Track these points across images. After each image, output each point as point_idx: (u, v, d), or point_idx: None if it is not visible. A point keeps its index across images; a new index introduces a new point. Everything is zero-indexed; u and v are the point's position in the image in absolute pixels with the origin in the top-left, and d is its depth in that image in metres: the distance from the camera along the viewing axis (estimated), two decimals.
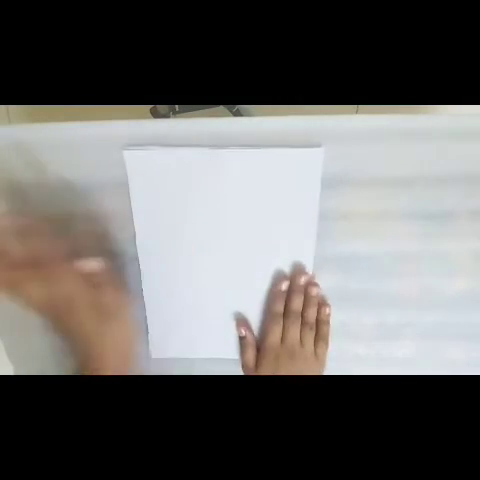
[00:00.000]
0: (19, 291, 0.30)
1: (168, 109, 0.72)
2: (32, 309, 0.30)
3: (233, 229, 0.39)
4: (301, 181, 0.37)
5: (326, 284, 0.41)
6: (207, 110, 0.71)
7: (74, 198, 0.39)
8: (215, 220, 0.39)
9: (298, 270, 0.40)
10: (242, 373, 0.43)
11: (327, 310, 0.41)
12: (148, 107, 0.75)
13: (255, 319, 0.43)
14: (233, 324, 0.43)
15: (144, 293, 0.42)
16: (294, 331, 0.40)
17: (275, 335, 0.40)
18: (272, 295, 0.41)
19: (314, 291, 0.40)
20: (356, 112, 0.61)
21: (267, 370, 0.40)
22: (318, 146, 0.35)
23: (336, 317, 0.41)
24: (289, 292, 0.40)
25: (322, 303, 0.41)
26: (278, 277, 0.41)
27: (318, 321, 0.41)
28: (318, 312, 0.41)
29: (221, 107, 0.75)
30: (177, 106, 0.70)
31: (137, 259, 0.41)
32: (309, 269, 0.40)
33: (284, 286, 0.40)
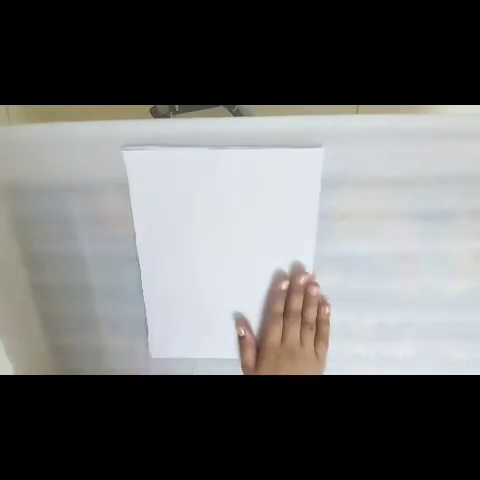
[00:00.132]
0: None
1: (168, 109, 0.72)
2: None
3: (233, 229, 0.39)
4: (301, 181, 0.37)
5: (326, 284, 0.41)
6: (207, 110, 0.71)
7: (74, 199, 0.39)
8: (215, 220, 0.39)
9: (298, 270, 0.40)
10: (242, 373, 0.43)
11: (327, 310, 0.41)
12: (148, 107, 0.75)
13: (255, 319, 0.43)
14: (233, 324, 0.43)
15: (144, 293, 0.42)
16: (294, 331, 0.40)
17: (275, 335, 0.40)
18: (272, 295, 0.41)
19: (314, 291, 0.40)
20: (356, 112, 0.61)
21: (267, 370, 0.40)
22: (318, 146, 0.35)
23: (336, 317, 0.41)
24: (289, 292, 0.40)
25: (322, 303, 0.41)
26: (278, 277, 0.41)
27: (318, 321, 0.41)
28: (318, 312, 0.41)
29: (221, 107, 0.75)
30: (177, 106, 0.70)
31: (137, 259, 0.41)
32: (309, 269, 0.40)
33: (284, 286, 0.40)
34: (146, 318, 0.43)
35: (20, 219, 0.40)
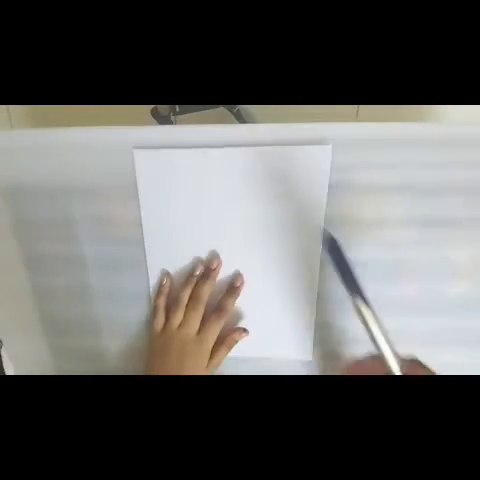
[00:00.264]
0: None
1: (169, 109, 0.72)
2: None
3: (241, 228, 0.39)
4: (309, 178, 0.37)
5: (326, 289, 0.41)
6: (208, 111, 0.71)
7: (75, 201, 0.39)
8: (223, 219, 0.39)
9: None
10: (242, 373, 0.43)
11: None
12: (149, 107, 0.75)
13: (263, 318, 0.43)
14: (240, 324, 0.43)
15: (151, 293, 0.42)
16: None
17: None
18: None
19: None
20: (356, 112, 0.61)
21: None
22: (326, 144, 0.35)
23: (336, 322, 0.41)
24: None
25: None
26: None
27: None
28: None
29: (222, 108, 0.75)
30: (177, 106, 0.70)
31: (139, 261, 0.41)
32: (315, 269, 0.40)
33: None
34: (148, 319, 0.44)
35: (22, 221, 0.41)
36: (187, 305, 0.41)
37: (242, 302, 0.42)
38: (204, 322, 0.41)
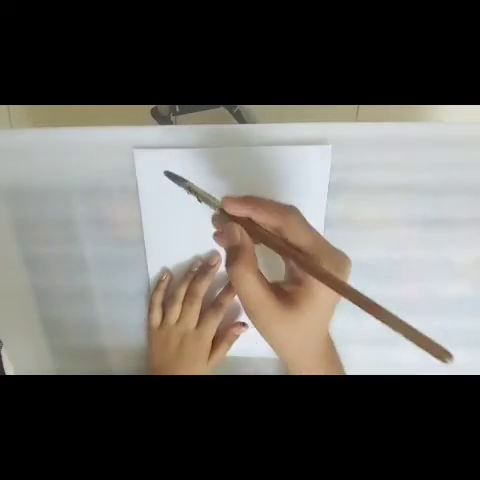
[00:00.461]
0: None
1: (169, 109, 0.72)
2: None
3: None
4: (309, 178, 0.37)
5: None
6: (208, 111, 0.71)
7: (80, 202, 0.39)
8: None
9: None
10: (242, 373, 0.43)
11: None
12: (149, 107, 0.75)
13: None
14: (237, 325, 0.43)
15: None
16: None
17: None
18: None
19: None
20: (356, 112, 0.61)
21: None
22: (326, 144, 0.36)
23: (337, 321, 0.41)
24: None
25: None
26: None
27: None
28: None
29: (222, 108, 0.75)
30: (177, 106, 0.71)
31: (139, 261, 0.41)
32: None
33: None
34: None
35: (22, 221, 0.41)
36: (184, 301, 0.41)
37: (238, 304, 0.42)
38: (202, 317, 0.41)
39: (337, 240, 0.39)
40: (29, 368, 0.46)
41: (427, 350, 0.20)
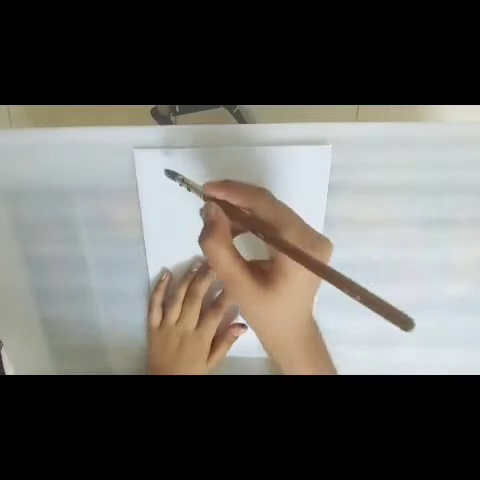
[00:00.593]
0: None
1: (169, 109, 0.72)
2: None
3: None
4: (309, 178, 0.37)
5: (326, 288, 0.41)
6: (208, 111, 0.71)
7: (80, 202, 0.39)
8: None
9: None
10: (242, 373, 0.43)
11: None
12: (149, 107, 0.75)
13: None
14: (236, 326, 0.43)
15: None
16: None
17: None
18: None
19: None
20: (356, 112, 0.61)
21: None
22: (326, 144, 0.35)
23: (335, 321, 0.41)
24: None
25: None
26: None
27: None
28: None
29: (221, 108, 0.75)
30: (177, 106, 0.71)
31: (139, 262, 0.41)
32: None
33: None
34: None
35: (22, 221, 0.41)
36: (184, 301, 0.41)
37: None
38: (201, 318, 0.41)
39: (337, 240, 0.39)
40: (29, 368, 0.46)
41: (389, 318, 0.20)
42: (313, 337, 0.31)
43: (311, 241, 0.26)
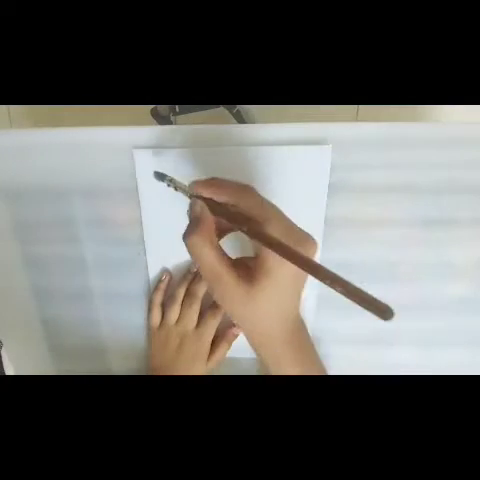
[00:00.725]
0: None
1: (168, 109, 0.72)
2: None
3: None
4: (309, 178, 0.37)
5: (325, 289, 0.41)
6: (208, 111, 0.71)
7: (80, 202, 0.39)
8: None
9: None
10: (242, 373, 0.43)
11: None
12: (149, 107, 0.75)
13: None
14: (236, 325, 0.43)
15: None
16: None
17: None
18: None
19: None
20: (356, 112, 0.61)
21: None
22: (326, 144, 0.35)
23: (335, 321, 0.41)
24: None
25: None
26: None
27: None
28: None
29: (221, 108, 0.75)
30: (177, 106, 0.71)
31: (139, 262, 0.41)
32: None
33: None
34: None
35: (22, 221, 0.41)
36: (183, 301, 0.41)
37: None
38: (201, 317, 0.41)
39: (337, 240, 0.39)
40: (29, 368, 0.46)
41: (370, 308, 0.20)
42: (299, 334, 0.31)
43: (296, 238, 0.26)
